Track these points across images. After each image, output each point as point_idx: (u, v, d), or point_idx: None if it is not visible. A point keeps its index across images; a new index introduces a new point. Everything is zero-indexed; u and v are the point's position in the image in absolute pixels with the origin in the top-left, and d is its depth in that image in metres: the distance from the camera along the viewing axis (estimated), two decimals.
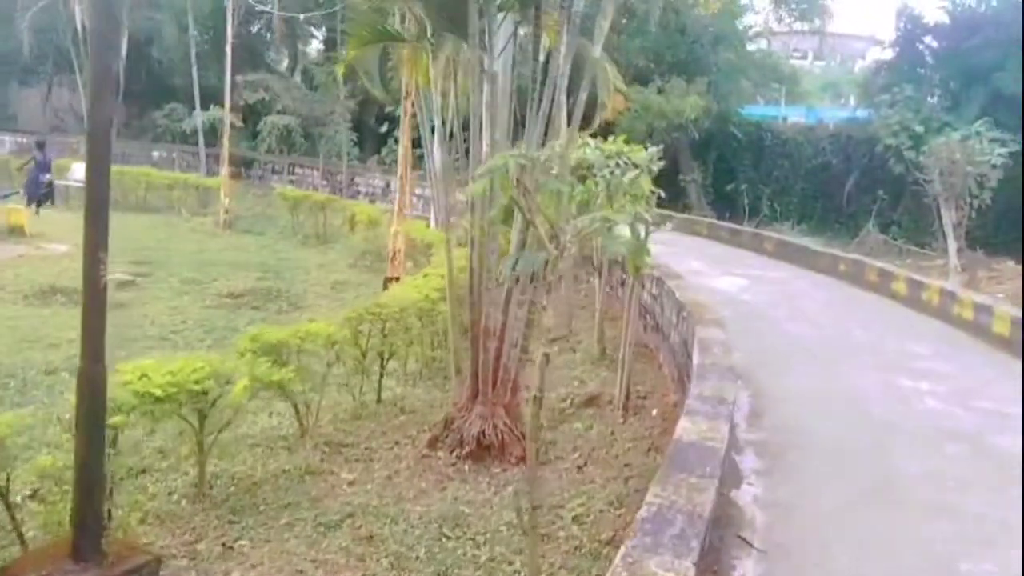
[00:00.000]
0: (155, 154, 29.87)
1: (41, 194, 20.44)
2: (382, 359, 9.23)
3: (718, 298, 11.83)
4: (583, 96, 7.00)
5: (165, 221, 22.11)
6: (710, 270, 15.09)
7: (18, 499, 5.63)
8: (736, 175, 25.13)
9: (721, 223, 20.94)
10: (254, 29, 31.61)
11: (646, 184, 7.53)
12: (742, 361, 7.75)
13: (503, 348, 7.42)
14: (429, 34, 7.47)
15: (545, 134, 7.06)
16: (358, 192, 24.72)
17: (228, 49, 21.39)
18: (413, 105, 10.70)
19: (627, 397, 8.48)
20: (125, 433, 6.59)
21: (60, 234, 18.35)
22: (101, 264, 4.56)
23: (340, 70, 9.14)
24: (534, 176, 4.31)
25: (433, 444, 7.68)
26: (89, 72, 4.51)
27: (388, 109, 23.27)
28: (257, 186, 26.28)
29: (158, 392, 6.00)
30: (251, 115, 29.49)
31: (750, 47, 30.77)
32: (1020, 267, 16.26)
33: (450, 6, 6.56)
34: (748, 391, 7.50)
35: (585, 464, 7.25)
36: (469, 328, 7.56)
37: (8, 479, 5.29)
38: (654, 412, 8.31)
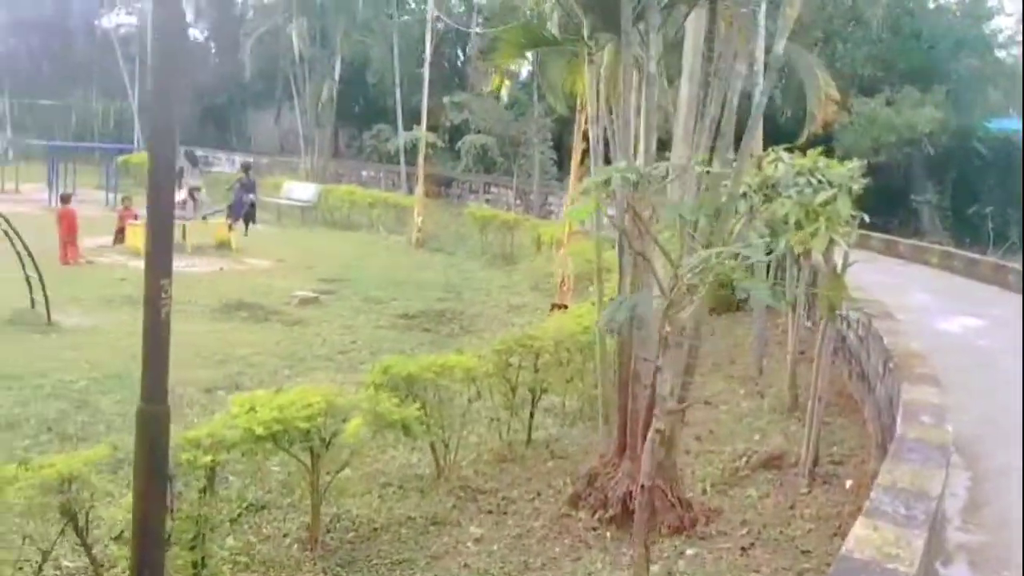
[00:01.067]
0: (364, 173, 31.00)
1: (244, 213, 21.42)
2: (533, 396, 8.40)
3: (943, 343, 9.96)
4: (761, 101, 5.79)
5: (363, 238, 22.63)
6: (937, 307, 12.98)
7: (105, 541, 5.31)
8: (979, 196, 21.97)
9: (957, 251, 18.25)
10: (462, 50, 32.21)
11: (844, 205, 6.16)
12: (964, 429, 6.17)
13: (656, 397, 6.31)
14: (586, 36, 6.55)
15: (712, 147, 5.92)
16: (551, 212, 24.16)
17: (426, 70, 21.60)
18: (587, 120, 9.88)
19: (815, 461, 7.07)
20: (242, 466, 6.24)
21: (264, 250, 19.16)
22: (163, 293, 4.01)
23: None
24: (647, 196, 3.31)
25: (574, 502, 6.70)
26: (151, 97, 4.01)
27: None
28: (455, 205, 26.44)
29: (259, 430, 5.46)
30: (455, 135, 29.92)
31: (999, 53, 27.20)
32: None
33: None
34: (968, 471, 5.91)
35: (752, 545, 5.98)
36: (616, 371, 6.53)
37: (87, 519, 4.92)
38: (848, 483, 6.84)
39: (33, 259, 11.65)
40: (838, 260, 6.84)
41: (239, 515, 6.39)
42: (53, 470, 4.68)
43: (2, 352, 10.12)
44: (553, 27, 7.38)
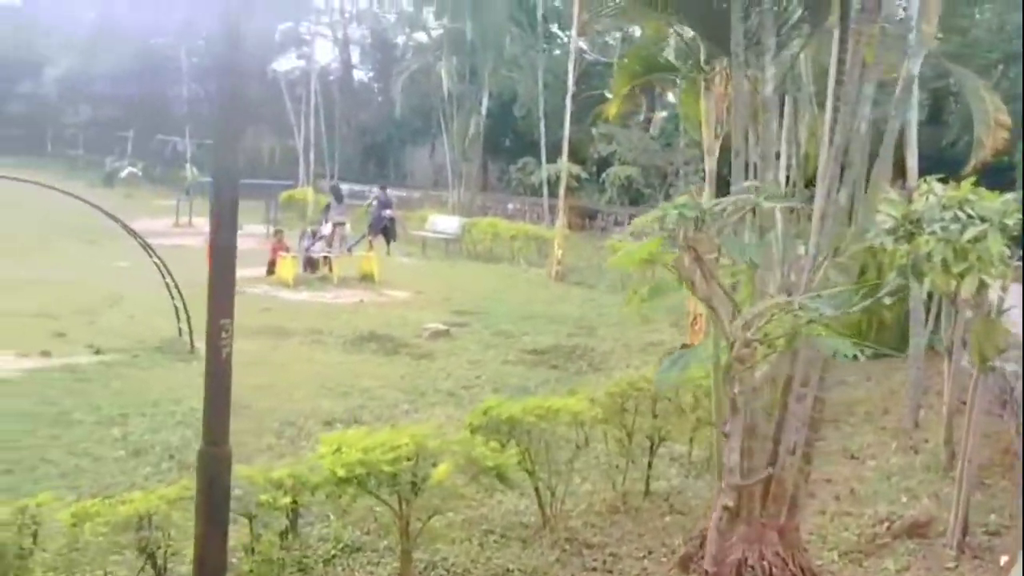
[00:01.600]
0: (510, 206, 31.26)
1: (382, 227, 22.22)
2: (652, 443, 7.87)
3: None
4: (894, 126, 5.14)
5: (503, 271, 22.63)
6: None
7: None
8: None
9: None
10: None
11: (995, 243, 5.37)
12: None
13: (778, 453, 5.69)
14: (702, 61, 6.10)
15: (840, 178, 5.32)
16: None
17: (568, 102, 21.49)
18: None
19: (964, 530, 6.18)
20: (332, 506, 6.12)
21: (404, 282, 19.49)
22: (224, 333, 3.89)
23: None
24: (709, 235, 2.90)
25: (685, 565, 6.14)
26: (215, 137, 3.92)
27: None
28: (598, 238, 26.08)
29: (341, 472, 5.29)
30: (603, 167, 29.69)
31: None
32: None
33: (714, 18, 5.17)
34: None
35: None
36: (730, 422, 5.94)
37: (166, 558, 4.88)
38: (1003, 559, 5.92)
39: (178, 289, 12.19)
40: (993, 303, 5.99)
41: (332, 556, 6.27)
42: (131, 507, 4.67)
43: (146, 379, 10.60)
44: (671, 53, 6.96)
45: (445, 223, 26.29)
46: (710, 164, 6.18)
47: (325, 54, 50.57)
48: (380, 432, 5.93)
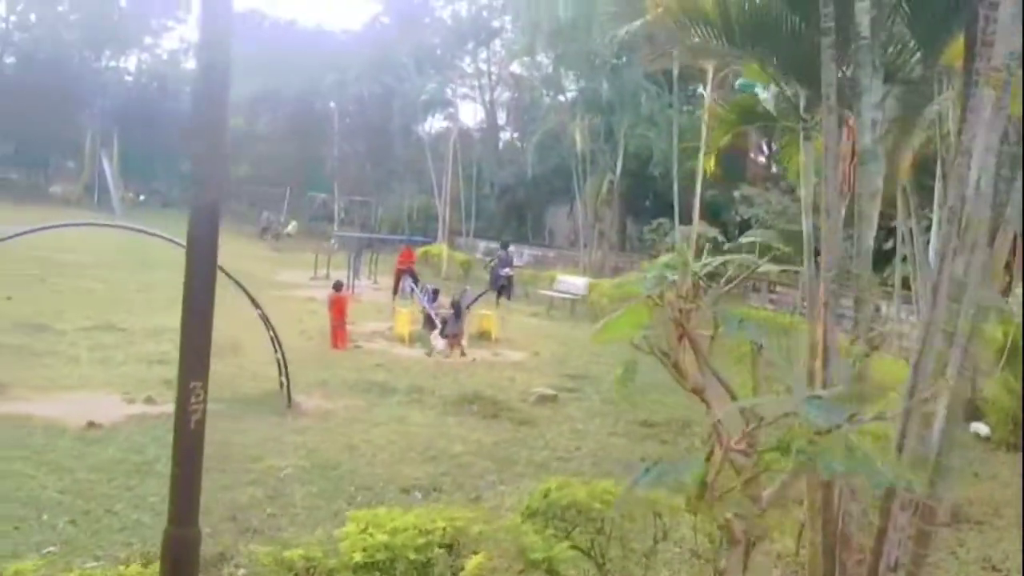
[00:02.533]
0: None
1: (500, 285, 22.27)
2: (750, 539, 6.88)
3: None
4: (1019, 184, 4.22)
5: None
6: None
7: None
8: None
9: None
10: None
11: None
12: None
13: (878, 570, 4.72)
14: (802, 109, 5.33)
15: (960, 236, 4.41)
16: (842, 316, 21.65)
17: (700, 162, 20.66)
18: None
19: None
20: None
21: (524, 342, 19.03)
22: (194, 398, 3.44)
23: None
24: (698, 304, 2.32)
25: None
26: (193, 175, 3.53)
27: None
28: (736, 304, 24.78)
29: (358, 557, 4.73)
30: (744, 230, 28.45)
31: None
32: None
33: (805, 56, 4.44)
34: None
35: None
36: (820, 530, 5.01)
37: None
38: None
39: (279, 342, 12.17)
40: None
41: None
42: None
43: (235, 432, 10.49)
44: (770, 102, 6.20)
45: (571, 283, 25.77)
46: (807, 226, 5.35)
47: (471, 115, 51.97)
48: (414, 511, 5.34)
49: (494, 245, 39.45)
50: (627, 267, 30.96)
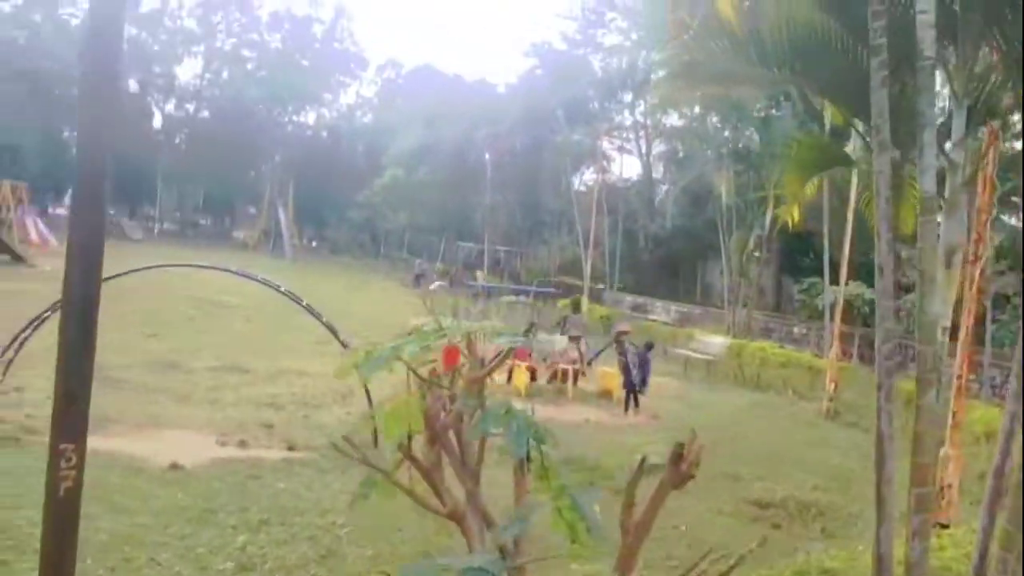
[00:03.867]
0: (796, 330, 28.45)
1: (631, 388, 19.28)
2: None
3: None
4: None
5: (765, 402, 20.20)
6: None
7: None
8: None
9: None
10: None
11: None
12: None
13: None
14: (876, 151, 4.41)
15: None
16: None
17: (848, 220, 19.05)
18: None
19: None
20: None
21: (648, 403, 17.98)
22: (64, 462, 3.00)
23: (792, 212, 6.38)
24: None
25: None
26: (76, 183, 3.12)
27: None
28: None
29: None
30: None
31: None
32: None
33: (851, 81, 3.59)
34: None
35: None
36: None
37: None
38: None
39: (369, 393, 11.87)
40: None
41: None
42: None
43: (313, 483, 10.21)
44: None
45: (709, 343, 24.43)
46: (880, 285, 4.35)
47: (629, 167, 51.37)
48: None
49: (641, 300, 38.48)
50: (779, 329, 29.14)
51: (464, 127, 45.05)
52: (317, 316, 11.62)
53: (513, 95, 43.59)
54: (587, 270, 35.95)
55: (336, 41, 74.87)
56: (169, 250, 46.13)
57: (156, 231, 66.81)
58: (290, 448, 11.56)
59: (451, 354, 14.18)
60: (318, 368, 17.64)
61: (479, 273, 42.32)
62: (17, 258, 33.00)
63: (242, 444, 11.48)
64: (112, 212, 73.96)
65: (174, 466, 10.12)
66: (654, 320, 34.69)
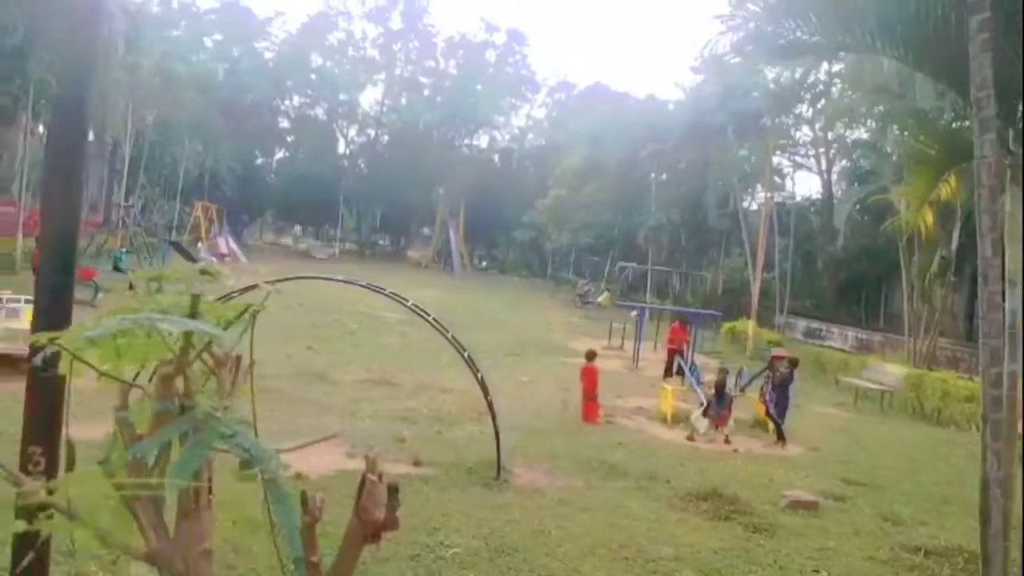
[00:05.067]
0: None
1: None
2: None
3: None
4: None
5: (942, 438, 18.28)
6: None
7: None
8: None
9: None
10: None
11: None
12: None
13: None
14: (1011, 140, 3.62)
15: None
16: None
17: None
18: None
19: None
20: None
21: (808, 435, 16.77)
22: (32, 465, 2.85)
23: (924, 217, 5.39)
24: None
25: None
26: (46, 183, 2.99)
27: None
28: None
29: None
30: None
31: None
32: None
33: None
34: None
35: None
36: None
37: None
38: None
39: (493, 410, 11.59)
40: None
41: None
42: None
43: (428, 501, 10.02)
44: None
45: (882, 372, 22.46)
46: (984, 295, 3.50)
47: (802, 184, 48.76)
48: None
49: (816, 325, 36.31)
50: (966, 359, 26.49)
51: (629, 145, 44.43)
52: (443, 331, 11.49)
53: (681, 111, 42.53)
54: (755, 292, 34.27)
55: (508, 66, 76.32)
56: (347, 268, 48.32)
57: (338, 251, 70.29)
58: (415, 463, 11.46)
59: (588, 373, 13.85)
60: (461, 384, 17.61)
61: (642, 294, 41.46)
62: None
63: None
64: (300, 233, 78.91)
65: (298, 476, 10.21)
66: (828, 346, 32.58)
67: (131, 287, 27.90)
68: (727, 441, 15.29)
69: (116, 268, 29.43)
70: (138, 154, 43.45)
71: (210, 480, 1.54)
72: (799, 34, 3.93)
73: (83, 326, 1.96)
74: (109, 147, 43.59)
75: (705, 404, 16.04)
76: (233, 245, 48.39)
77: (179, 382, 1.45)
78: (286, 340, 21.71)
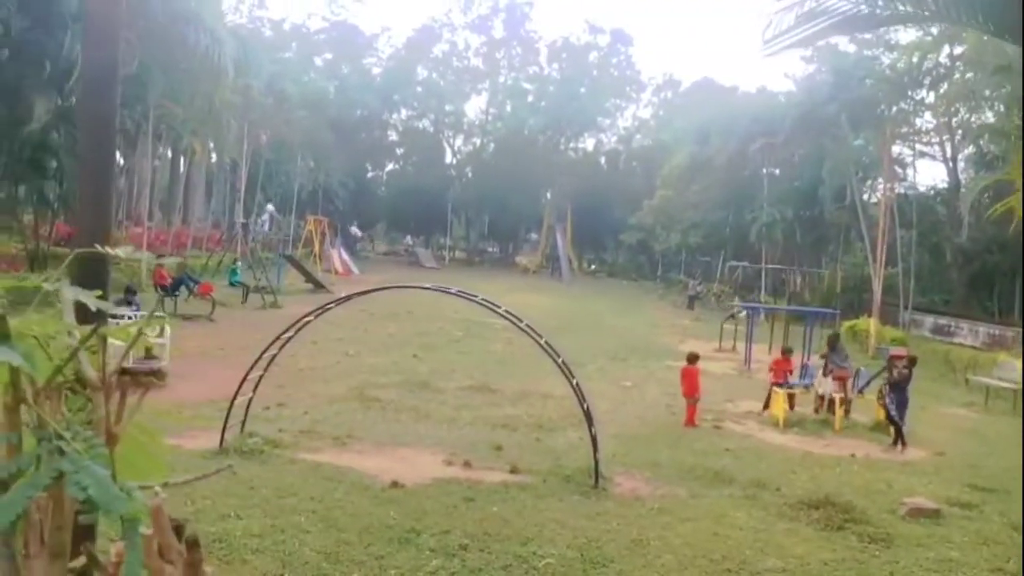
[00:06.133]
0: None
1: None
2: None
3: None
4: None
5: None
6: None
7: None
8: None
9: None
10: None
11: None
12: None
13: None
14: None
15: None
16: None
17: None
18: None
19: None
20: None
21: (934, 438, 15.77)
22: None
23: None
24: None
25: None
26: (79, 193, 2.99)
27: None
28: None
29: None
30: None
31: None
32: None
33: None
34: None
35: None
36: None
37: None
38: None
39: (589, 417, 11.32)
40: None
41: None
42: None
43: (524, 509, 9.84)
44: None
45: (1014, 370, 20.89)
46: None
47: (925, 173, 46.35)
48: None
49: (944, 321, 34.35)
50: None
51: (738, 140, 43.21)
52: (536, 337, 11.33)
53: (792, 103, 41.02)
54: (877, 289, 32.67)
55: (613, 67, 75.72)
56: (456, 276, 48.94)
57: (447, 259, 71.31)
58: (512, 471, 11.32)
59: (689, 375, 13.41)
60: (563, 391, 17.37)
61: (756, 294, 40.16)
62: (318, 286, 36.55)
63: (466, 464, 11.44)
64: (411, 243, 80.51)
65: (395, 484, 10.26)
66: (957, 343, 30.69)
67: (243, 301, 29.15)
68: (846, 407, 15.46)
69: (231, 283, 30.61)
70: (255, 172, 45.27)
71: (63, 523, 1.36)
72: (863, 8, 3.57)
73: None
74: (228, 166, 45.64)
75: (824, 363, 16.30)
76: (346, 257, 49.70)
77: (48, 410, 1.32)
78: (393, 348, 22.09)
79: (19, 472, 1.23)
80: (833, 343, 16.76)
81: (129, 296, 18.53)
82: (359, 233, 68.58)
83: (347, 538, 8.38)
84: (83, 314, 1.46)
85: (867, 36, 46.04)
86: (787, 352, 17.62)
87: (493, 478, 10.97)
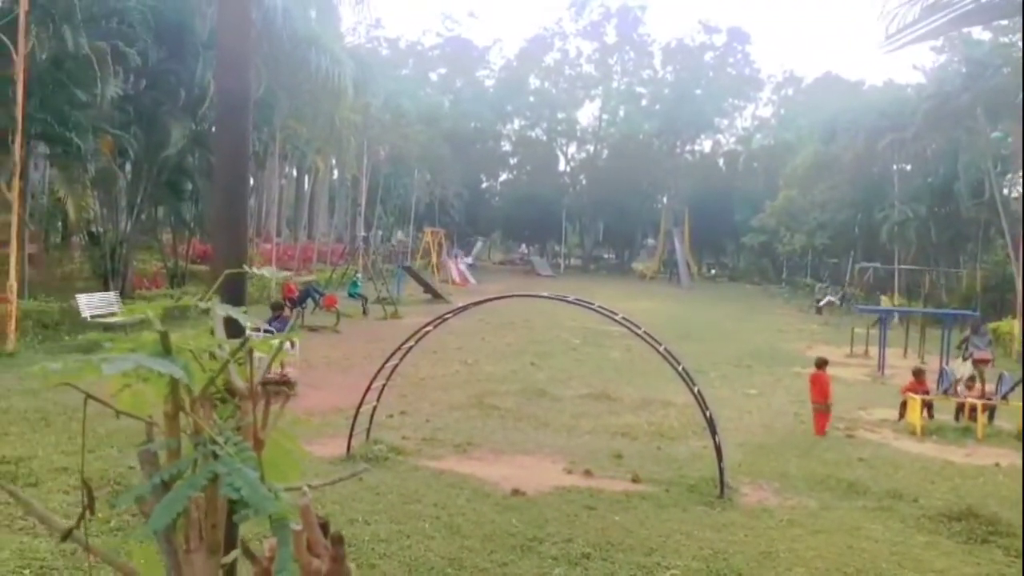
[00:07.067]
0: None
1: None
2: None
3: None
4: None
5: None
6: None
7: None
8: None
9: None
10: None
11: None
12: None
13: None
14: None
15: None
16: None
17: None
18: None
19: None
20: None
21: None
22: None
23: None
24: None
25: None
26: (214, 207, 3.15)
27: None
28: None
29: None
30: None
31: None
32: None
33: None
34: None
35: None
36: None
37: None
38: None
39: (712, 425, 11.06)
40: None
41: None
42: None
43: (648, 518, 9.70)
44: None
45: None
46: None
47: None
48: None
49: None
50: None
51: (865, 136, 41.45)
52: (655, 344, 11.18)
53: (922, 95, 39.08)
54: (1021, 288, 30.69)
55: (730, 66, 74.18)
56: (571, 284, 48.98)
57: (562, 267, 71.38)
58: (634, 480, 11.20)
59: (818, 381, 13.02)
60: (684, 398, 17.06)
61: (884, 297, 38.31)
62: (436, 295, 37.25)
63: (587, 473, 11.39)
64: (526, 251, 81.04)
65: (516, 492, 10.32)
66: None
67: (364, 313, 29.99)
68: (989, 412, 15.08)
69: (351, 295, 31.53)
70: (375, 187, 46.65)
71: (216, 521, 1.44)
72: None
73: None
74: (349, 182, 47.27)
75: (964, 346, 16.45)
76: (463, 268, 50.49)
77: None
78: (511, 357, 22.27)
79: (179, 474, 1.31)
80: (977, 326, 16.93)
81: (277, 312, 19.38)
82: (479, 242, 69.71)
83: (470, 545, 8.48)
84: (227, 328, 1.54)
85: (1003, 22, 43.48)
86: (919, 373, 16.74)
87: (614, 487, 10.88)
